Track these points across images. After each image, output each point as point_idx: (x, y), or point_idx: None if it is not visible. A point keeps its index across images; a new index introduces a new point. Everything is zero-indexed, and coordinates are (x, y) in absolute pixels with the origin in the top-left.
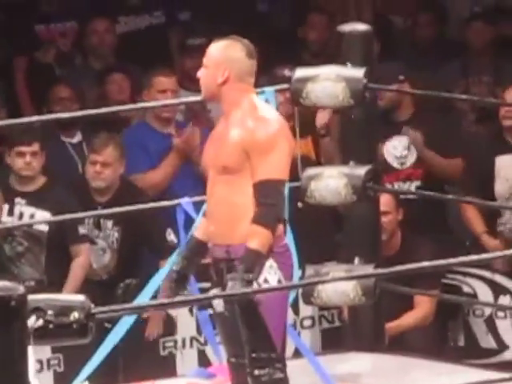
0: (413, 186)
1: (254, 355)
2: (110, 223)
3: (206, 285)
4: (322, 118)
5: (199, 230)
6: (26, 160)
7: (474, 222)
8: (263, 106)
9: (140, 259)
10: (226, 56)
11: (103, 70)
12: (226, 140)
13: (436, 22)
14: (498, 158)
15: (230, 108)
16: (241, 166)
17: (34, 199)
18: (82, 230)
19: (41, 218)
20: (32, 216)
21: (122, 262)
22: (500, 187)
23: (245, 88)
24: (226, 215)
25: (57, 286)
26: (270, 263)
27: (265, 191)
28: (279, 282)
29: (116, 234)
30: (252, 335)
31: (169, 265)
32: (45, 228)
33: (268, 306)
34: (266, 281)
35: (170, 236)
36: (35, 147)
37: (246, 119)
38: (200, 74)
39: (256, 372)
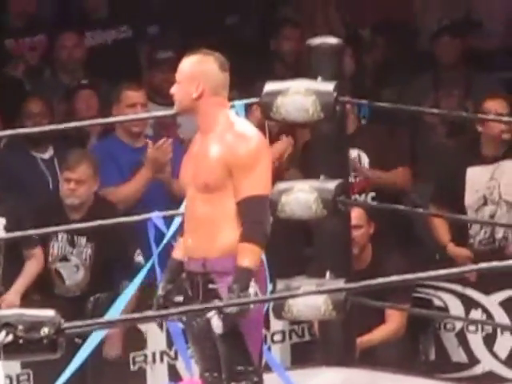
0: (368, 197)
1: (231, 368)
2: (83, 240)
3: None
4: (277, 149)
5: (178, 250)
6: None
7: (439, 231)
8: (240, 121)
9: (112, 275)
10: (199, 70)
11: (72, 86)
12: (206, 157)
13: (401, 37)
14: (469, 169)
15: (206, 123)
16: (222, 183)
17: None
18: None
19: None
20: None
21: (94, 278)
22: (470, 198)
23: (220, 102)
24: (205, 230)
25: None
26: None
27: (250, 208)
28: (256, 295)
29: (89, 251)
30: (230, 348)
31: (137, 280)
32: (2, 234)
33: (244, 320)
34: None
35: (139, 257)
36: None
37: (226, 135)
38: (173, 89)
39: None
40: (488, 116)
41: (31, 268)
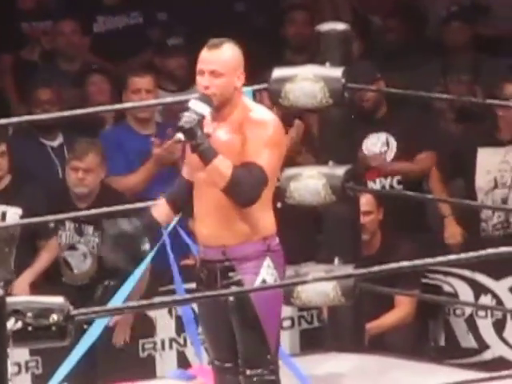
0: (394, 180)
1: (248, 356)
2: (90, 229)
3: (187, 286)
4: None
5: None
6: None
7: (441, 204)
8: (256, 107)
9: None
10: (237, 60)
11: (81, 71)
12: (224, 144)
13: (412, 23)
14: (480, 149)
15: (228, 111)
16: None
17: (3, 197)
18: (51, 225)
19: (13, 215)
20: (4, 213)
21: (102, 266)
22: (480, 180)
23: (242, 88)
24: (222, 216)
25: None
26: (268, 263)
27: (248, 170)
28: (275, 280)
29: (97, 240)
30: (246, 336)
31: (142, 266)
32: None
33: (263, 307)
34: (264, 281)
35: (144, 245)
36: (2, 148)
37: (244, 122)
38: (212, 82)
39: (248, 372)
40: (500, 101)
41: (44, 258)
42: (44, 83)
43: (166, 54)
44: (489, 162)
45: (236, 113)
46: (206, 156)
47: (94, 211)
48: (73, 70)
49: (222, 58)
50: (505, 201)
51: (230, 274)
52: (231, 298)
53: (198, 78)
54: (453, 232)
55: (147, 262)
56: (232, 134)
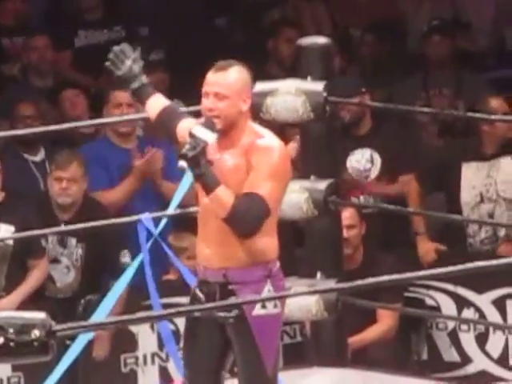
0: (378, 198)
1: (246, 380)
2: (73, 240)
3: (169, 300)
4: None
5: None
6: None
7: (416, 220)
8: (263, 132)
9: (103, 276)
10: (244, 83)
11: (55, 86)
12: (230, 170)
13: (392, 36)
14: (464, 164)
15: (235, 136)
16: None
17: None
18: (43, 244)
19: (6, 232)
20: None
21: (85, 279)
22: (466, 195)
23: (249, 113)
24: (223, 240)
25: None
26: (268, 287)
27: (250, 200)
28: (275, 306)
29: (80, 251)
30: (244, 360)
31: (123, 280)
32: (10, 241)
33: (261, 330)
34: (263, 306)
35: (125, 258)
36: None
37: (250, 148)
38: (215, 105)
39: None
40: (483, 115)
41: (34, 277)
42: (25, 98)
43: (146, 68)
44: (474, 177)
45: (243, 138)
46: (209, 185)
47: (79, 225)
48: (45, 85)
49: (226, 80)
50: (491, 215)
51: (230, 298)
52: (231, 321)
53: (203, 101)
54: (426, 249)
55: (128, 275)
56: (238, 160)
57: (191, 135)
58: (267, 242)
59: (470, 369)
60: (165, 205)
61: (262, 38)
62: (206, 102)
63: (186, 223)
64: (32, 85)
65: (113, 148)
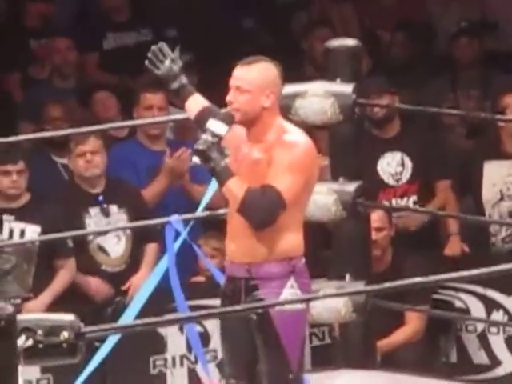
0: (410, 201)
1: (270, 376)
2: (115, 207)
3: (197, 302)
4: None
5: None
6: (13, 178)
7: (450, 221)
8: (292, 129)
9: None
10: (268, 79)
11: (86, 88)
12: (255, 166)
13: (420, 38)
14: (486, 163)
15: (261, 132)
16: None
17: (22, 214)
18: (70, 244)
19: (32, 232)
20: (23, 231)
21: (135, 248)
22: (487, 193)
23: (278, 110)
24: (248, 235)
25: None
26: (291, 283)
27: (266, 194)
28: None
29: (124, 217)
30: (268, 355)
31: (152, 282)
32: (36, 242)
33: (284, 326)
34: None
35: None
36: (21, 165)
37: (276, 145)
38: (235, 98)
39: None
40: (507, 113)
41: (62, 278)
42: (56, 100)
43: None
44: (495, 175)
45: (269, 134)
46: (221, 177)
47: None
48: (67, 87)
49: (248, 75)
50: (511, 213)
51: (254, 292)
52: (254, 317)
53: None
54: (454, 248)
55: (156, 277)
56: (262, 155)
57: (205, 129)
58: (291, 239)
59: (500, 371)
60: (194, 208)
61: (291, 39)
62: (228, 95)
63: (215, 226)
64: (56, 87)
65: (142, 150)
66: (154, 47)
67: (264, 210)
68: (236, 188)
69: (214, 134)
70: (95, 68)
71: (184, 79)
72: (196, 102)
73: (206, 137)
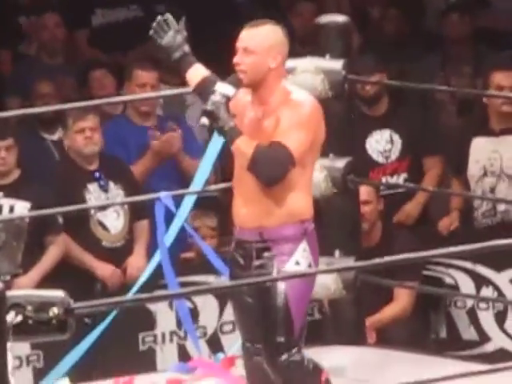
0: (400, 178)
1: (272, 338)
2: (111, 184)
3: (187, 279)
4: None
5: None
6: (1, 155)
7: (453, 198)
8: (295, 91)
9: None
10: (275, 40)
11: (85, 66)
12: (262, 129)
13: (410, 14)
14: (474, 140)
15: (266, 94)
16: None
17: (12, 191)
18: (60, 221)
19: (21, 209)
20: (12, 207)
21: (133, 223)
22: (472, 168)
23: (283, 72)
24: (259, 198)
25: None
26: (304, 246)
27: (273, 149)
28: (309, 266)
29: (122, 193)
30: (273, 318)
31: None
32: (26, 218)
33: (292, 291)
34: (297, 263)
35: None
36: (9, 141)
37: (282, 106)
38: (242, 59)
39: (274, 357)
40: (494, 91)
41: (52, 254)
42: (38, 76)
43: None
44: (479, 151)
45: (275, 95)
46: (230, 136)
47: None
48: (56, 64)
49: (255, 36)
50: (493, 189)
51: (265, 253)
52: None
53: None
54: (449, 223)
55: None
56: (269, 116)
57: (213, 91)
58: (302, 200)
59: (489, 347)
60: (186, 184)
61: (281, 15)
62: (235, 57)
63: (212, 204)
64: (44, 63)
65: (132, 126)
66: (158, 17)
67: (274, 164)
68: (245, 146)
69: (222, 95)
70: (84, 45)
71: (187, 48)
72: (197, 72)
73: (214, 97)
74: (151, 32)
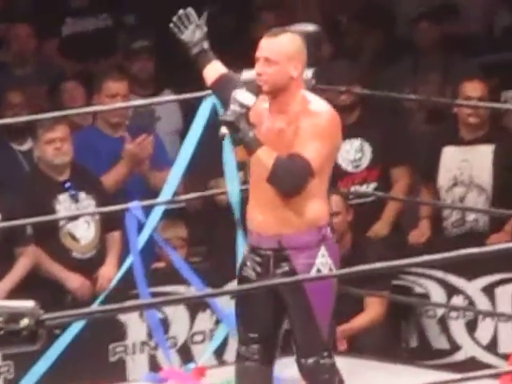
0: (370, 187)
1: (301, 342)
2: (83, 194)
3: (158, 289)
4: None
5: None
6: None
7: (422, 206)
8: (314, 100)
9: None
10: (296, 49)
11: (55, 77)
12: (281, 137)
13: (380, 23)
14: (444, 149)
15: (285, 103)
16: None
17: None
18: (29, 232)
19: None
20: None
21: (104, 234)
22: (442, 178)
23: (302, 81)
24: (277, 205)
25: None
26: (323, 252)
27: (293, 162)
28: (330, 270)
29: (93, 203)
30: (299, 323)
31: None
32: None
33: (316, 295)
34: (318, 270)
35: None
36: None
37: (300, 115)
38: (264, 70)
39: (303, 360)
40: (463, 100)
41: (22, 265)
42: (16, 86)
43: (132, 57)
44: (450, 160)
45: (294, 104)
46: (250, 147)
47: None
48: (26, 74)
49: (276, 46)
50: (462, 199)
51: (284, 263)
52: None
53: (256, 66)
54: (421, 233)
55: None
56: (287, 125)
57: (232, 99)
58: (319, 207)
59: (459, 356)
60: (154, 195)
61: (249, 24)
62: (256, 67)
63: (181, 214)
64: (14, 73)
65: (102, 137)
66: (180, 11)
67: (294, 177)
68: (265, 157)
69: (241, 105)
70: (55, 54)
71: (206, 44)
72: (214, 69)
73: (233, 107)
74: (171, 26)
